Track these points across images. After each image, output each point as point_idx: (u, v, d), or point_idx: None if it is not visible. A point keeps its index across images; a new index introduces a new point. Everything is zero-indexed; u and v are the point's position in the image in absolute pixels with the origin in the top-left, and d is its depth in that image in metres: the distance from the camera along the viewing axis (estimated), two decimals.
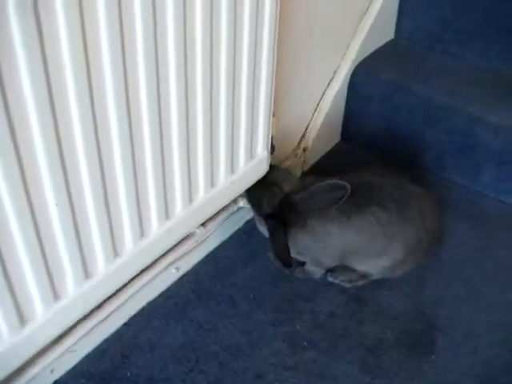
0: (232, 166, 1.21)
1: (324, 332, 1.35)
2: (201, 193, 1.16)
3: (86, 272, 0.98)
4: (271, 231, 1.28)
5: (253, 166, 1.27)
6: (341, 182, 1.23)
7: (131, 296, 1.30)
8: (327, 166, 1.83)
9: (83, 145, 0.86)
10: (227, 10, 0.99)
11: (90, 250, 0.97)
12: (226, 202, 1.27)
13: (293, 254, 1.38)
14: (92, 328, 1.22)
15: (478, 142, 1.67)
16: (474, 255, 1.56)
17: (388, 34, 1.90)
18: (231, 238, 1.56)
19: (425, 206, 1.37)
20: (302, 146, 1.75)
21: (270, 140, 1.31)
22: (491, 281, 1.49)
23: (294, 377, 1.25)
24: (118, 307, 1.28)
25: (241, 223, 1.59)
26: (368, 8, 1.74)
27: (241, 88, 1.13)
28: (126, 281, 1.09)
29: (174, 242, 1.16)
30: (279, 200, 1.31)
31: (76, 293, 0.97)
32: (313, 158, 1.81)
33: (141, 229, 1.05)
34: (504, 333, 1.37)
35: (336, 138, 1.93)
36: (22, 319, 0.90)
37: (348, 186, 1.22)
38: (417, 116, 1.75)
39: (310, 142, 1.76)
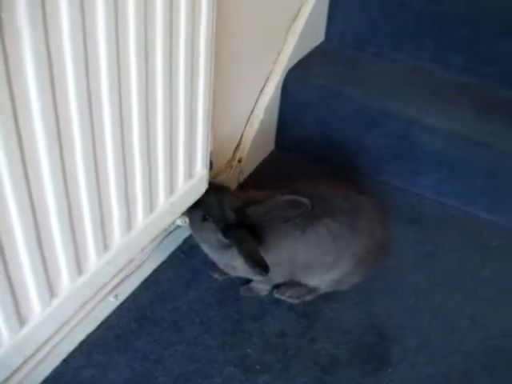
0: (171, 188, 1.14)
1: (276, 353, 1.29)
2: (140, 218, 1.08)
3: (20, 318, 0.88)
4: (239, 239, 1.18)
5: (192, 185, 1.20)
6: (302, 199, 1.18)
7: (69, 331, 1.20)
8: (264, 175, 1.77)
9: (10, 180, 0.76)
10: (163, 21, 0.92)
11: (23, 294, 0.87)
12: (166, 226, 1.19)
13: (241, 273, 1.32)
14: (30, 370, 1.12)
15: (416, 145, 1.65)
16: (420, 261, 1.54)
17: (318, 37, 1.87)
18: (170, 258, 1.48)
19: (373, 216, 1.34)
20: (237, 156, 1.68)
21: (209, 156, 1.24)
22: (439, 286, 1.47)
23: None
24: (56, 344, 1.18)
25: (179, 242, 1.52)
26: (299, 12, 1.70)
27: (178, 105, 1.06)
28: (64, 321, 0.99)
29: (114, 274, 1.07)
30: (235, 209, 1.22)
31: (10, 341, 0.87)
32: (248, 169, 1.75)
33: (78, 265, 0.96)
34: (457, 339, 1.35)
35: (270, 146, 1.88)
36: None
37: (308, 204, 1.17)
38: (353, 121, 1.72)
39: (245, 152, 1.70)
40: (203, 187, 1.25)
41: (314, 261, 1.31)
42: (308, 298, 1.41)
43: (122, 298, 1.35)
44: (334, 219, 1.28)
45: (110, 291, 1.31)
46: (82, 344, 1.25)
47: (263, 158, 1.84)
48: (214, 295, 1.40)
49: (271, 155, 1.87)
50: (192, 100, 1.09)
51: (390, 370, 1.27)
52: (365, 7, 1.79)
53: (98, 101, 0.86)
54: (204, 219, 1.24)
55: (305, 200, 1.18)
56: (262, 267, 1.14)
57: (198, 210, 1.25)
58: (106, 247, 1.01)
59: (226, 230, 1.21)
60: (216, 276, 1.44)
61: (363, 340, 1.33)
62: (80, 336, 1.26)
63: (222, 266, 1.34)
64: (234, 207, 1.22)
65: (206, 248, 1.32)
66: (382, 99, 1.69)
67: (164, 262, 1.46)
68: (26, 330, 0.89)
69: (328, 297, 1.41)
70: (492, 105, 1.71)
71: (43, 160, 0.80)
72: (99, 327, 1.29)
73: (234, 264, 1.27)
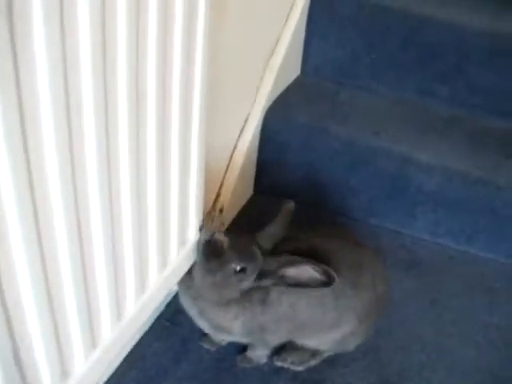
0: (164, 261, 0.99)
1: None
2: (130, 304, 0.92)
3: None
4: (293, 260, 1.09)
5: (185, 253, 1.05)
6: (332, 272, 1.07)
7: None
8: (246, 223, 1.62)
9: None
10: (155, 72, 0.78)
11: None
12: (159, 303, 1.04)
13: (237, 337, 1.19)
14: None
15: (410, 184, 1.55)
16: (424, 310, 1.42)
17: (295, 72, 1.75)
18: (153, 329, 1.31)
19: (375, 269, 1.22)
20: (218, 206, 1.54)
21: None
22: (449, 338, 1.36)
23: None
24: None
25: (161, 308, 1.35)
26: (276, 46, 1.57)
27: (171, 165, 0.92)
28: None
29: (103, 372, 0.91)
30: None
31: None
32: (227, 218, 1.61)
33: (62, 368, 0.79)
34: None
35: (249, 191, 1.74)
36: None
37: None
38: (339, 160, 1.60)
39: (227, 201, 1.55)
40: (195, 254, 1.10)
41: (314, 319, 1.18)
42: (312, 362, 1.27)
43: (102, 380, 1.18)
44: (338, 275, 1.15)
45: None
46: None
47: (242, 206, 1.70)
48: (208, 369, 1.25)
49: (251, 201, 1.73)
50: (185, 157, 0.95)
51: None
52: (343, 38, 1.69)
53: (82, 173, 0.71)
54: (239, 271, 1.08)
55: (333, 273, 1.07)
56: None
57: (229, 263, 1.07)
58: (94, 345, 0.85)
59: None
60: (207, 346, 1.29)
61: None
62: None
63: (214, 331, 1.19)
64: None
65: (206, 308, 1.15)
66: (369, 135, 1.58)
67: (147, 334, 1.30)
68: None
69: (334, 361, 1.28)
70: (484, 136, 1.62)
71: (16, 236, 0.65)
72: None
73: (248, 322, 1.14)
